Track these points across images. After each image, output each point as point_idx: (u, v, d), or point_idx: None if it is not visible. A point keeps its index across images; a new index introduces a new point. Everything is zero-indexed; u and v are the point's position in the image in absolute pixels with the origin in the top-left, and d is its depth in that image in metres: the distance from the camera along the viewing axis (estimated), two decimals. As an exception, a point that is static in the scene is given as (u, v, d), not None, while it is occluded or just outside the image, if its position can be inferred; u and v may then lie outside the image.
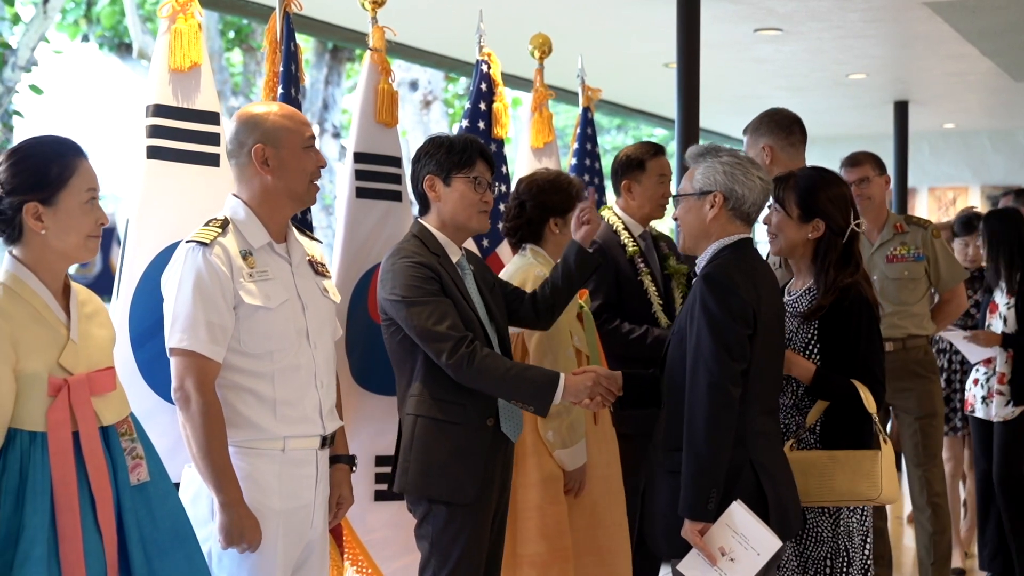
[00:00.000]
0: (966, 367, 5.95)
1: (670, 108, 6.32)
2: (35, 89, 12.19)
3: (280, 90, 3.67)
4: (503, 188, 4.58)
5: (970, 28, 7.59)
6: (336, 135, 14.04)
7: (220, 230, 3.00)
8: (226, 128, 3.31)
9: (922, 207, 13.63)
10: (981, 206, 12.63)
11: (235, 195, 3.10)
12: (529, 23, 5.86)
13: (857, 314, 3.27)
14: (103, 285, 4.18)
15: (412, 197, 3.71)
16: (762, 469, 3.01)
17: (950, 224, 6.71)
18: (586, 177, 5.32)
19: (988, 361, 5.59)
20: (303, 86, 3.84)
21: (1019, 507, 5.53)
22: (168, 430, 3.11)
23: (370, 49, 4.02)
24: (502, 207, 4.31)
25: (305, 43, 13.24)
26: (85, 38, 14.27)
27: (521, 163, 5.07)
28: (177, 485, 2.93)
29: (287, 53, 3.69)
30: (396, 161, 4.04)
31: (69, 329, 2.64)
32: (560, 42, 5.22)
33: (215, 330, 2.92)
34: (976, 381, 5.68)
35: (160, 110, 3.40)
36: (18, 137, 12.17)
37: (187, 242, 2.99)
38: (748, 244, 3.16)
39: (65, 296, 2.68)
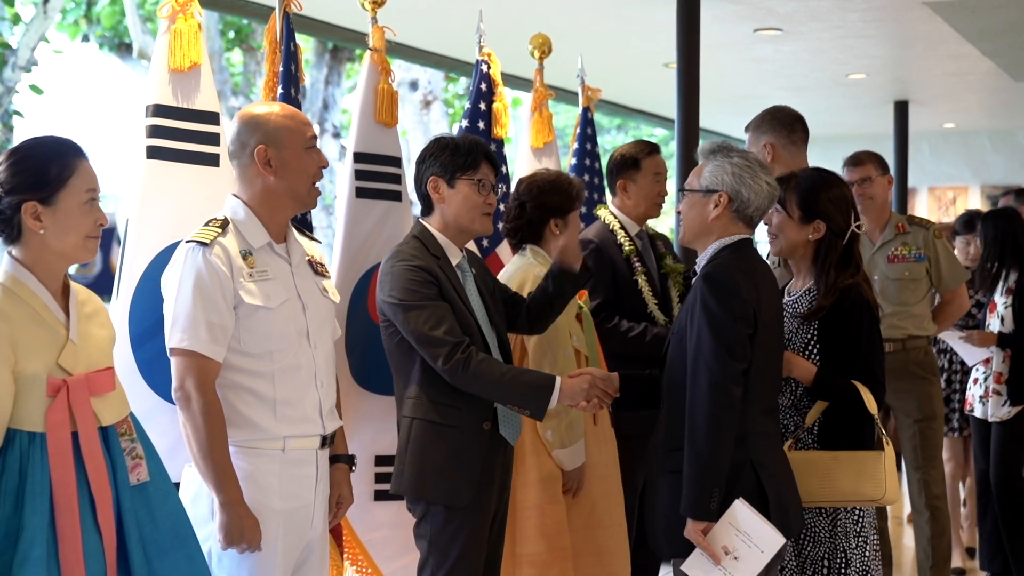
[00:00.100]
0: (966, 367, 5.95)
1: (670, 108, 6.31)
2: (35, 89, 12.20)
3: (280, 90, 3.67)
4: (503, 188, 4.58)
5: (970, 28, 7.58)
6: (336, 135, 14.04)
7: (220, 230, 3.00)
8: (226, 128, 3.31)
9: (922, 207, 13.63)
10: (981, 206, 12.63)
11: (235, 195, 3.10)
12: (529, 23, 5.86)
13: (858, 315, 3.27)
14: (103, 285, 4.18)
15: (413, 197, 3.71)
16: (762, 468, 3.01)
17: (951, 226, 6.70)
18: (586, 177, 5.32)
19: (987, 361, 5.59)
20: (303, 86, 3.85)
21: (1015, 509, 5.52)
22: (168, 430, 3.11)
23: (370, 49, 4.02)
24: (502, 207, 4.31)
25: (305, 43, 13.24)
26: (85, 38, 14.28)
27: (521, 163, 5.07)
28: (177, 485, 2.93)
29: (287, 53, 3.69)
30: (396, 161, 4.04)
31: (68, 329, 2.63)
32: (560, 42, 5.22)
33: (215, 330, 2.92)
34: (976, 380, 5.69)
35: (160, 110, 3.40)
36: (18, 137, 12.18)
37: (187, 242, 2.99)
38: (748, 244, 3.16)
39: (64, 296, 2.68)
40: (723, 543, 2.94)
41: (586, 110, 5.52)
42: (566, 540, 3.84)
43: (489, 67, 4.63)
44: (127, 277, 3.32)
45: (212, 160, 3.46)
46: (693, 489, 2.93)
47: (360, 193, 3.94)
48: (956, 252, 5.99)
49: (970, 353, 5.66)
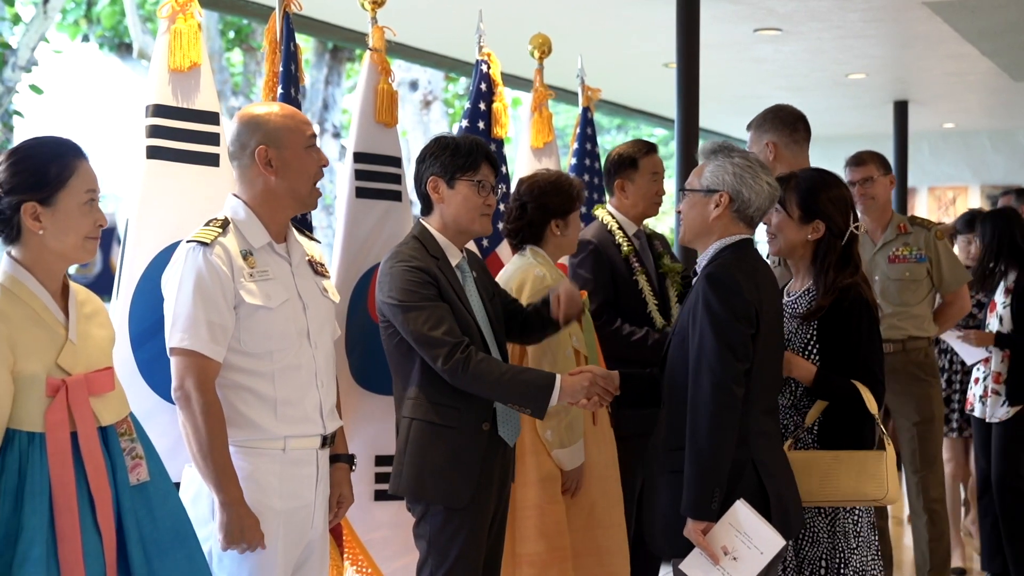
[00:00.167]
0: (967, 367, 5.95)
1: (670, 108, 6.31)
2: (35, 89, 12.20)
3: (280, 90, 3.67)
4: (503, 188, 4.57)
5: (970, 28, 7.58)
6: (336, 135, 14.04)
7: (220, 230, 3.00)
8: (226, 128, 3.31)
9: (922, 207, 13.63)
10: (981, 206, 12.62)
11: (235, 195, 3.10)
12: (529, 23, 5.86)
13: (857, 315, 3.27)
14: (103, 285, 4.17)
15: (413, 197, 3.71)
16: (763, 468, 3.01)
17: (952, 227, 6.70)
18: (586, 177, 5.32)
19: (987, 361, 5.59)
20: (303, 86, 3.84)
21: (1015, 510, 5.52)
22: (168, 430, 3.10)
23: (370, 49, 4.02)
24: (502, 207, 4.31)
25: (305, 43, 13.24)
26: (85, 38, 14.28)
27: (521, 163, 5.07)
28: (177, 485, 2.93)
29: (287, 53, 3.69)
30: (396, 161, 4.04)
31: (67, 330, 2.63)
32: (560, 42, 5.22)
33: (216, 330, 2.92)
34: (977, 380, 5.69)
35: (160, 110, 3.40)
36: (18, 137, 12.18)
37: (187, 242, 2.99)
38: (749, 244, 3.16)
39: (64, 296, 2.68)
40: (723, 543, 2.94)
41: (586, 110, 5.51)
42: (565, 540, 3.84)
43: (489, 67, 4.63)
44: (127, 277, 3.32)
45: (212, 160, 3.46)
46: (694, 489, 2.93)
47: (360, 193, 3.94)
48: (957, 251, 5.99)
49: (969, 352, 5.66)
